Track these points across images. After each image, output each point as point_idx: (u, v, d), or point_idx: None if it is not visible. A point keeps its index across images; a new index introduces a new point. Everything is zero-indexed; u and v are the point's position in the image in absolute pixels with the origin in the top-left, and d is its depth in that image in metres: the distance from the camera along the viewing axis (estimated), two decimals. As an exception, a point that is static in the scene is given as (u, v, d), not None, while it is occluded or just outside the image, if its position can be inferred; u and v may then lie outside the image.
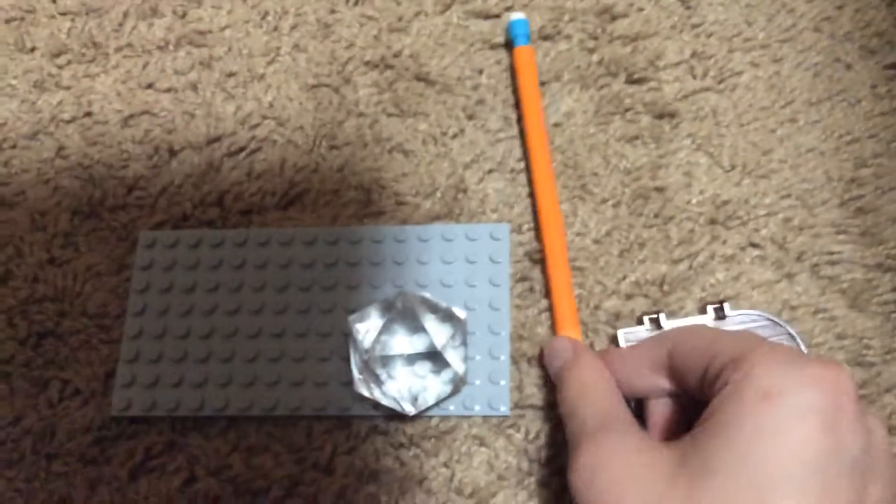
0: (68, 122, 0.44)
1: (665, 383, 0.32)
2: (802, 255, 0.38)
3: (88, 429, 0.38)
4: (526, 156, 0.41)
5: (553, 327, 0.37)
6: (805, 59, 0.41)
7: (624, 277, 0.38)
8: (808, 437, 0.25)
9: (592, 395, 0.32)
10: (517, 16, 0.42)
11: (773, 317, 0.36)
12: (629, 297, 0.38)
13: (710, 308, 0.36)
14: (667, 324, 0.36)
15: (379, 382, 0.35)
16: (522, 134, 0.41)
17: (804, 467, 0.25)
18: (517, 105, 0.42)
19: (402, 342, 0.36)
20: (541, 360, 0.37)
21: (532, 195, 0.40)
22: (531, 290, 0.39)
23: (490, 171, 0.41)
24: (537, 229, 0.39)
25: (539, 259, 0.39)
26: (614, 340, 0.37)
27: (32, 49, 0.46)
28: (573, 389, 0.33)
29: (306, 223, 0.41)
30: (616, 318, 0.38)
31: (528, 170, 0.41)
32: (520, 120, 0.42)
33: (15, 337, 0.40)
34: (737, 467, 0.25)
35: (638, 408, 0.34)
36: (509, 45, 0.43)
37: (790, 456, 0.25)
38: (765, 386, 0.26)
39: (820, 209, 0.39)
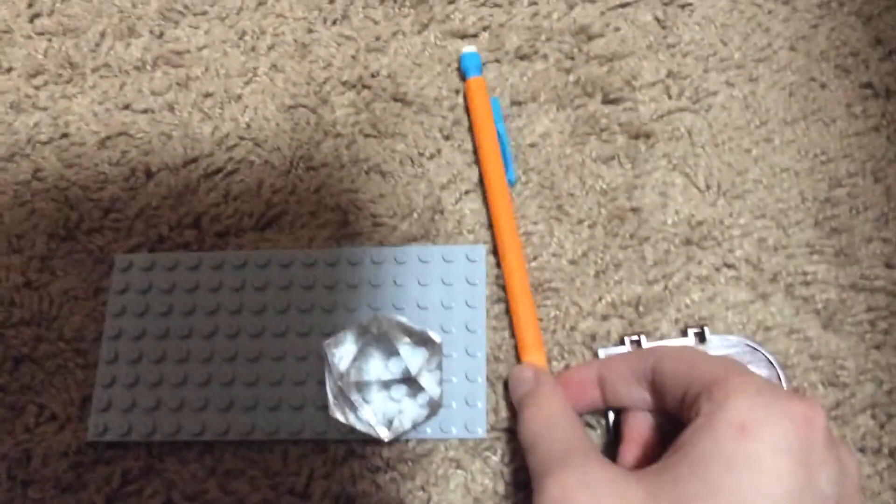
0: (45, 143, 0.44)
1: (647, 396, 0.32)
2: (777, 275, 0.38)
3: (65, 454, 0.38)
4: (482, 186, 0.41)
5: (517, 353, 0.37)
6: (780, 79, 0.42)
7: (600, 298, 0.39)
8: (780, 472, 0.26)
9: (553, 427, 0.32)
10: (468, 49, 0.42)
11: (752, 342, 0.36)
12: (605, 318, 0.38)
13: (690, 332, 0.36)
14: (648, 346, 0.36)
15: (353, 408, 0.35)
16: (478, 166, 0.41)
17: (778, 502, 0.25)
18: (472, 135, 0.42)
19: (378, 367, 0.36)
20: (507, 387, 0.37)
21: (491, 226, 0.40)
22: (507, 311, 0.39)
23: (467, 192, 0.41)
24: (496, 255, 0.39)
25: (503, 285, 0.39)
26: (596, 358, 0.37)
27: (9, 69, 0.46)
28: (534, 422, 0.32)
29: (283, 245, 0.41)
30: (592, 340, 0.38)
31: (484, 202, 0.41)
32: (475, 151, 0.42)
33: (-9, 361, 0.40)
34: (709, 501, 0.25)
35: (616, 420, 0.34)
36: (463, 76, 0.43)
37: (762, 491, 0.25)
38: (738, 420, 0.26)
39: (794, 229, 0.39)
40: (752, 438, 0.26)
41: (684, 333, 0.37)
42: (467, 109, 0.42)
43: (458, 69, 0.43)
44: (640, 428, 0.33)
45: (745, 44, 0.42)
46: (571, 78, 0.42)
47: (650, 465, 0.28)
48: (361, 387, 0.35)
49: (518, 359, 0.37)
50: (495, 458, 0.36)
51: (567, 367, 0.38)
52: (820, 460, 0.26)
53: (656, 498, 0.27)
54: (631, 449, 0.33)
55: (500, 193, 0.39)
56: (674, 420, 0.30)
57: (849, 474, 0.28)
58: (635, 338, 0.37)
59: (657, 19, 0.43)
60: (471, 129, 0.42)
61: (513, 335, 0.38)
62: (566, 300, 0.39)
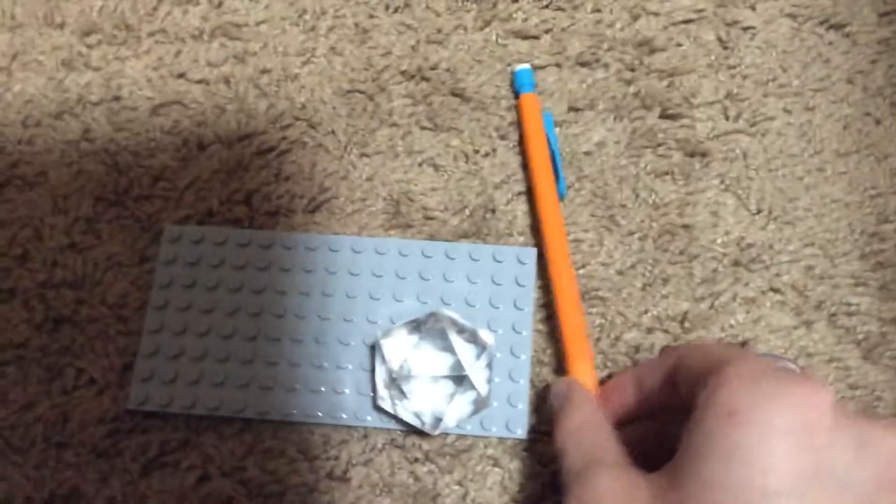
0: (96, 104, 0.43)
1: (676, 395, 0.31)
2: (821, 303, 0.39)
3: (102, 420, 0.38)
4: (532, 200, 0.41)
5: (564, 361, 0.38)
6: (837, 111, 0.42)
7: (646, 311, 0.39)
8: (778, 460, 0.23)
9: (582, 435, 0.32)
10: (522, 66, 0.43)
11: (793, 362, 0.37)
12: (650, 330, 0.39)
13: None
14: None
15: (402, 399, 0.35)
16: (528, 176, 0.41)
17: (777, 495, 0.23)
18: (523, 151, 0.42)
19: (429, 362, 0.36)
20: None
21: (541, 240, 0.40)
22: (552, 316, 0.39)
23: (519, 194, 0.41)
24: (543, 268, 0.39)
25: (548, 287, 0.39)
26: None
27: (62, 25, 0.45)
28: (564, 430, 0.33)
29: (332, 230, 0.41)
30: (636, 351, 0.38)
31: (532, 214, 0.41)
32: (525, 166, 0.42)
33: (30, 321, 0.39)
34: (705, 499, 0.24)
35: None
36: (516, 93, 0.43)
37: (760, 483, 0.23)
38: (728, 406, 0.24)
39: (841, 260, 0.40)
40: (745, 423, 0.24)
41: (727, 352, 0.38)
42: (518, 126, 0.43)
43: (512, 88, 0.43)
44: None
45: (805, 72, 0.43)
46: (631, 89, 0.43)
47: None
48: (411, 380, 0.35)
49: (565, 366, 0.37)
50: (534, 460, 0.37)
51: (609, 376, 0.38)
52: (827, 443, 0.24)
53: (662, 499, 0.26)
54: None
55: (551, 210, 0.39)
56: None
57: (880, 455, 0.24)
58: (677, 352, 0.37)
59: (719, 39, 0.43)
60: (521, 145, 0.42)
61: (558, 342, 0.38)
62: (612, 310, 0.39)
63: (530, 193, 0.41)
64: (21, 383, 0.38)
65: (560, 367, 0.38)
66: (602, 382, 0.37)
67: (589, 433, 0.32)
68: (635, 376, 0.34)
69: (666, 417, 0.33)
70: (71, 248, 0.41)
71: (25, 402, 0.38)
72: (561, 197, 0.40)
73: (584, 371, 0.36)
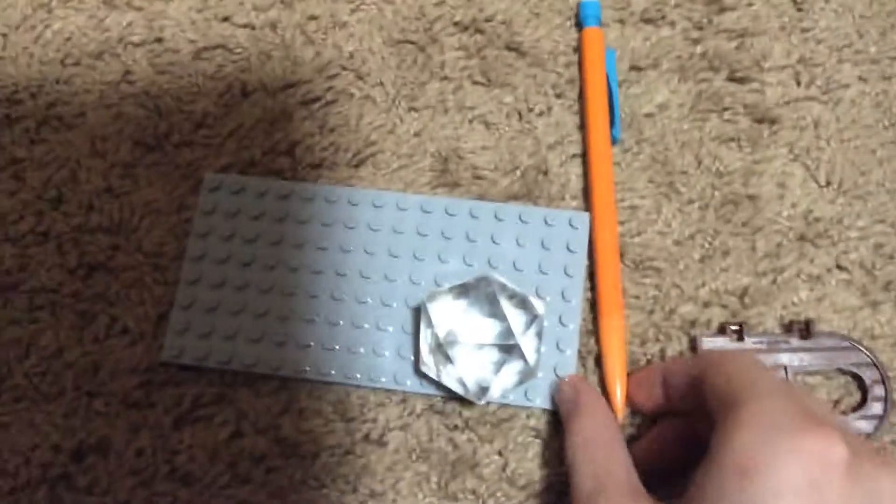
0: (137, 45, 0.42)
1: (700, 403, 0.30)
2: (890, 284, 0.37)
3: (134, 371, 0.37)
4: (584, 141, 0.39)
5: (596, 313, 0.36)
6: (915, 81, 0.40)
7: (703, 284, 0.37)
8: None
9: (591, 453, 0.31)
10: None
11: (858, 343, 0.35)
12: (707, 305, 0.37)
13: (795, 328, 0.35)
14: (749, 340, 0.35)
15: (447, 365, 0.34)
16: (583, 117, 0.40)
17: None
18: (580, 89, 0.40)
19: (476, 328, 0.34)
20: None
21: (588, 182, 0.38)
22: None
23: (574, 156, 0.39)
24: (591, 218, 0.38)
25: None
26: (693, 343, 0.36)
27: (104, -38, 0.44)
28: (573, 443, 0.32)
29: (377, 185, 0.39)
30: (691, 325, 0.37)
31: (584, 160, 0.39)
32: (581, 103, 0.40)
33: (64, 265, 0.38)
34: None
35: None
36: (579, 25, 0.41)
37: None
38: (741, 461, 0.25)
39: (913, 239, 0.37)
40: (754, 482, 0.24)
41: (788, 329, 0.36)
42: (580, 63, 0.40)
43: (576, 21, 0.41)
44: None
45: (883, 39, 0.40)
46: (698, 49, 0.40)
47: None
48: (457, 346, 0.34)
49: (594, 318, 0.36)
50: (577, 433, 0.35)
51: (662, 350, 0.36)
52: (838, 497, 0.24)
53: None
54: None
55: (602, 149, 0.38)
56: None
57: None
58: (736, 327, 0.36)
59: (793, 0, 0.41)
60: (580, 84, 0.40)
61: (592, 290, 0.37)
62: (667, 281, 0.37)
63: (586, 154, 0.39)
64: (52, 329, 0.37)
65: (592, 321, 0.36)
66: (630, 374, 0.36)
67: (600, 451, 0.31)
68: (663, 374, 0.33)
69: (690, 416, 0.33)
70: (107, 193, 0.39)
71: (56, 348, 0.37)
72: (615, 141, 0.39)
73: (614, 328, 0.36)
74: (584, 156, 0.39)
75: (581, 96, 0.40)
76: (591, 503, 0.29)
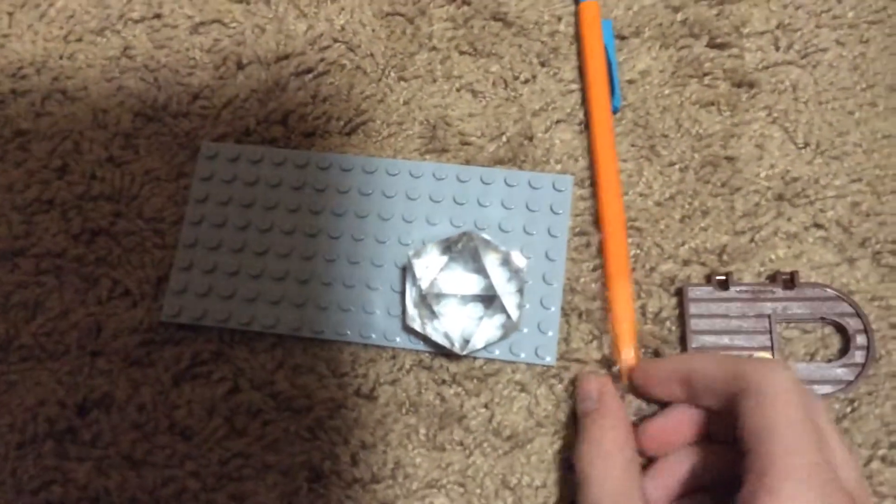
0: (137, 21, 0.44)
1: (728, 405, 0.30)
2: (866, 241, 0.38)
3: (136, 330, 0.38)
4: (586, 113, 0.40)
5: (603, 282, 0.37)
6: (892, 44, 0.40)
7: (683, 243, 0.38)
8: None
9: (609, 470, 0.31)
10: None
11: (842, 293, 0.36)
12: (686, 262, 0.38)
13: (779, 276, 0.36)
14: (735, 288, 0.36)
15: (432, 319, 0.35)
16: (583, 91, 0.41)
17: None
18: (580, 61, 0.41)
19: (460, 282, 0.36)
20: (594, 317, 0.37)
21: (591, 153, 0.40)
22: (587, 245, 0.38)
23: (558, 122, 0.41)
24: (594, 186, 0.39)
25: (587, 218, 0.39)
26: (679, 294, 0.37)
27: (105, -57, 0.45)
28: (587, 457, 0.32)
29: (368, 152, 0.41)
30: (671, 283, 0.38)
31: (587, 128, 0.40)
32: (573, 80, 0.41)
33: (68, 231, 0.40)
34: None
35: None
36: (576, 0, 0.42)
37: None
38: None
39: (889, 197, 0.38)
40: None
41: (773, 279, 0.37)
42: (577, 35, 0.42)
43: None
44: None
45: (860, 4, 0.41)
46: (679, 17, 0.41)
47: None
48: (441, 299, 0.35)
49: (604, 287, 0.37)
50: (560, 387, 0.37)
51: (643, 307, 0.37)
52: None
53: None
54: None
55: (603, 120, 0.39)
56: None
57: None
58: (722, 278, 0.37)
59: (773, -33, 0.42)
60: (579, 55, 0.41)
61: (594, 269, 0.38)
62: (648, 241, 0.38)
63: (571, 119, 0.40)
64: (57, 291, 0.39)
65: (596, 293, 0.37)
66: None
67: (617, 469, 0.31)
68: (689, 374, 0.32)
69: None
70: (109, 162, 0.41)
71: (61, 310, 0.39)
72: (615, 110, 0.40)
73: (624, 293, 0.36)
74: (576, 130, 0.40)
75: (581, 69, 0.41)
76: None
